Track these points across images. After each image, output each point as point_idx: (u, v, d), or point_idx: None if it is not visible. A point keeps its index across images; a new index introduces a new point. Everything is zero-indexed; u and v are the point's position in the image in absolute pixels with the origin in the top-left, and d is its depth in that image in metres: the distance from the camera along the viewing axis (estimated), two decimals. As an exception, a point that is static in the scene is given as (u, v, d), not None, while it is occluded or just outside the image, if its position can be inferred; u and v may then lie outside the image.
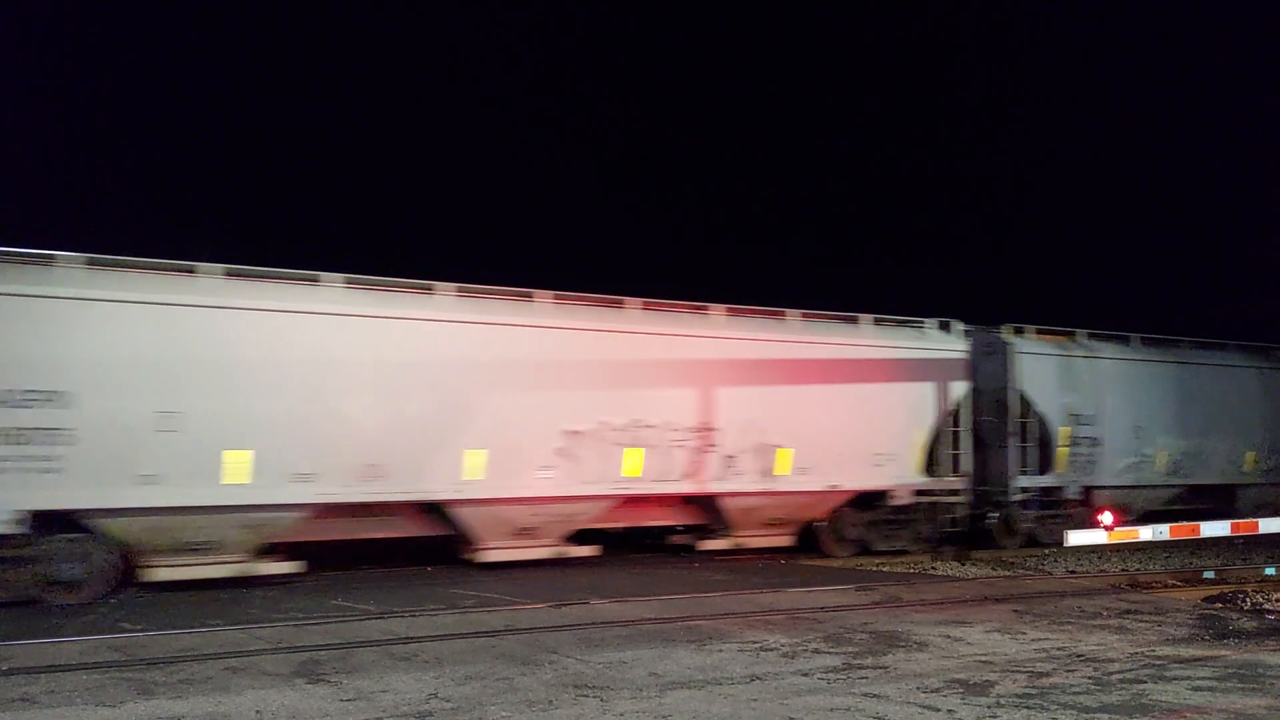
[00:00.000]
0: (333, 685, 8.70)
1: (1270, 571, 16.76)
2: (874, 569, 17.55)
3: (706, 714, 7.97)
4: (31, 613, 12.44)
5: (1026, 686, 8.85)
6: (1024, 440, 20.58)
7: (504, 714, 7.92)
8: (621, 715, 7.91)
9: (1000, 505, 20.66)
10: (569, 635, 10.84)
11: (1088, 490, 21.42)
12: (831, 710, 8.06)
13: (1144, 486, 22.44)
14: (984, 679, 9.10)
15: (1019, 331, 21.36)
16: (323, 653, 9.87)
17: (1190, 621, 12.22)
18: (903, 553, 19.26)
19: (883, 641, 10.69)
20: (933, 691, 8.63)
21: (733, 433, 17.49)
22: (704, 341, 17.55)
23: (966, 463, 20.02)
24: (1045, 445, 20.84)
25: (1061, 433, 21.01)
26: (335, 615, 12.15)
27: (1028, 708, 8.15)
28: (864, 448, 18.75)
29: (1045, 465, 20.88)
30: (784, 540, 18.70)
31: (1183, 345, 23.93)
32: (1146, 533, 16.89)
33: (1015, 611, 12.70)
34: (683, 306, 17.90)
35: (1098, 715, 7.99)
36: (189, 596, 13.48)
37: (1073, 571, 17.72)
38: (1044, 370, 21.00)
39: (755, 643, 10.54)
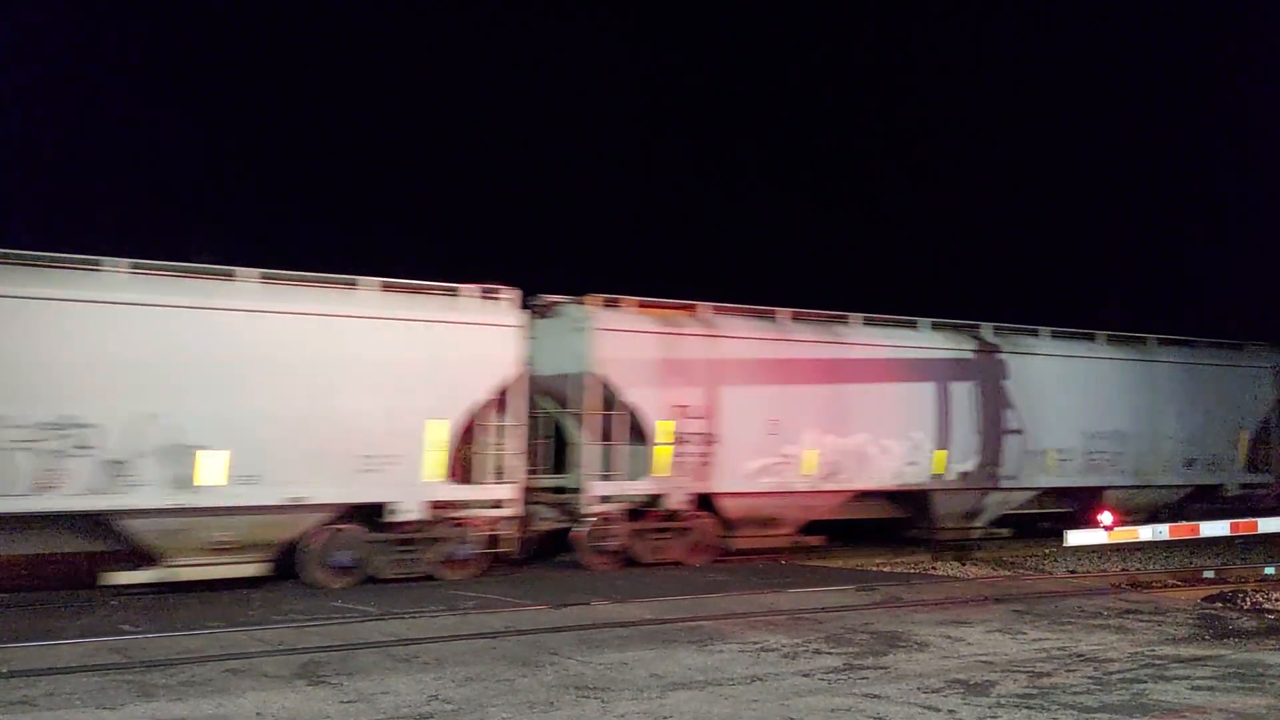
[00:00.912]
0: (333, 687, 8.70)
1: (1270, 571, 16.77)
2: (874, 569, 17.55)
3: (707, 715, 7.97)
4: (32, 614, 12.43)
5: (1027, 686, 8.85)
6: (608, 439, 17.05)
7: (505, 715, 7.92)
8: (622, 716, 7.91)
9: (578, 517, 16.96)
10: (570, 636, 10.84)
11: (702, 497, 17.77)
12: (833, 711, 8.06)
13: (790, 493, 18.45)
14: (985, 679, 9.10)
15: (612, 304, 17.63)
16: (323, 654, 9.86)
17: (1190, 621, 12.23)
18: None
19: (883, 642, 10.69)
20: (933, 692, 8.63)
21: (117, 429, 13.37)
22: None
23: (517, 467, 16.15)
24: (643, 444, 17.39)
25: (660, 429, 17.42)
26: (336, 617, 12.15)
27: (1028, 708, 8.15)
28: (345, 448, 14.65)
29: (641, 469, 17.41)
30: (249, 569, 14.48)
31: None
32: (1146, 532, 16.91)
33: (1015, 611, 12.70)
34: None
35: (1098, 715, 7.99)
36: (190, 598, 13.48)
37: (1073, 571, 17.74)
38: (641, 352, 17.32)
39: (756, 643, 10.53)
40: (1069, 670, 9.51)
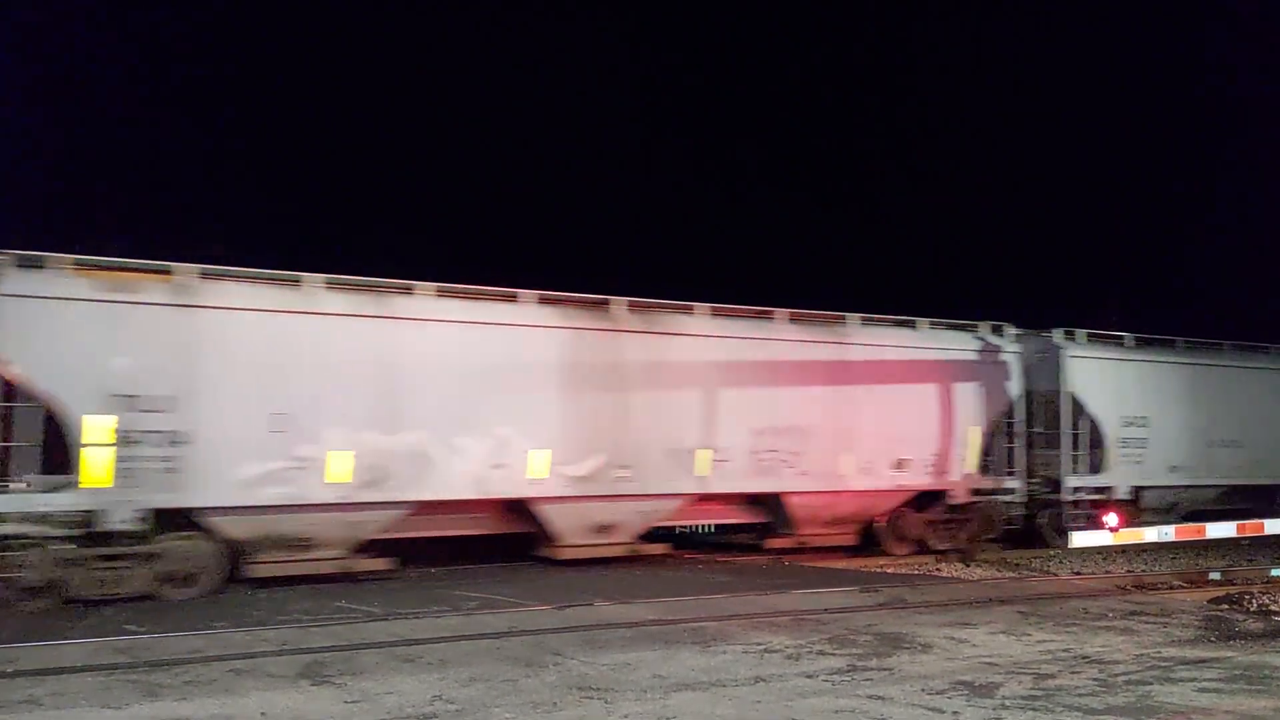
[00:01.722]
0: (337, 687, 8.70)
1: (1276, 572, 16.71)
2: (878, 570, 17.54)
3: (711, 716, 7.96)
4: (35, 615, 12.46)
5: (1032, 688, 8.83)
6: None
7: (508, 716, 7.91)
8: (626, 717, 7.90)
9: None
10: (573, 637, 10.83)
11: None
12: (836, 712, 8.05)
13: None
14: (989, 680, 9.08)
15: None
16: (327, 655, 9.87)
17: (1196, 623, 12.20)
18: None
19: (887, 643, 10.68)
20: (938, 693, 8.62)
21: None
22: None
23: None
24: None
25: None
26: (339, 617, 12.16)
27: (1033, 709, 8.13)
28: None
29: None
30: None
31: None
32: (1151, 534, 16.90)
33: (1020, 613, 12.68)
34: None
35: (1103, 717, 7.97)
36: (192, 599, 13.49)
37: (1078, 573, 17.70)
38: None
39: (760, 644, 10.52)
40: (1074, 672, 9.49)
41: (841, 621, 11.88)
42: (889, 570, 17.61)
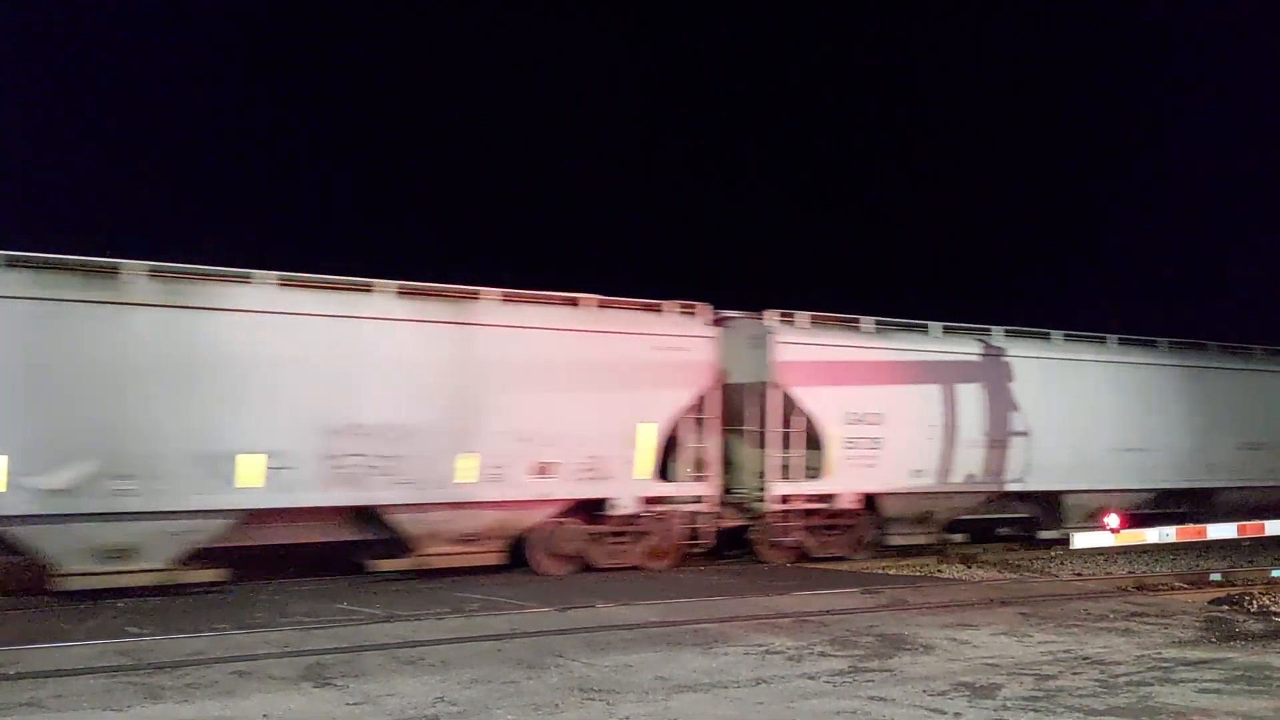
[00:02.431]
0: (339, 689, 8.71)
1: (1277, 573, 16.71)
2: (880, 571, 17.54)
3: (712, 717, 7.97)
4: (38, 616, 12.46)
5: (1033, 689, 8.84)
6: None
7: (510, 717, 7.92)
8: (627, 718, 7.91)
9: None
10: (575, 638, 10.84)
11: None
12: (838, 714, 8.06)
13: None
14: (990, 682, 9.09)
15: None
16: (329, 656, 9.88)
17: (1197, 624, 12.20)
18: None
19: (889, 644, 10.68)
20: (939, 694, 8.63)
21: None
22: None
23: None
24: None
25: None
26: (341, 619, 12.17)
27: (1035, 710, 8.14)
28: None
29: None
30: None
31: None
32: (1153, 535, 16.86)
33: (1021, 614, 12.69)
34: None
35: (1105, 718, 7.98)
36: (195, 600, 13.50)
37: (1079, 574, 17.70)
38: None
39: (761, 646, 10.53)
40: (1075, 673, 9.50)
41: (843, 623, 11.89)
42: (891, 572, 17.62)
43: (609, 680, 9.06)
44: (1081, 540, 16.66)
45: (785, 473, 18.19)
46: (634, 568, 16.92)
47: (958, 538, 20.47)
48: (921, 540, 19.76)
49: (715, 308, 18.37)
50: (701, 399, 17.69)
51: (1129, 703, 8.41)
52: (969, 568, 18.37)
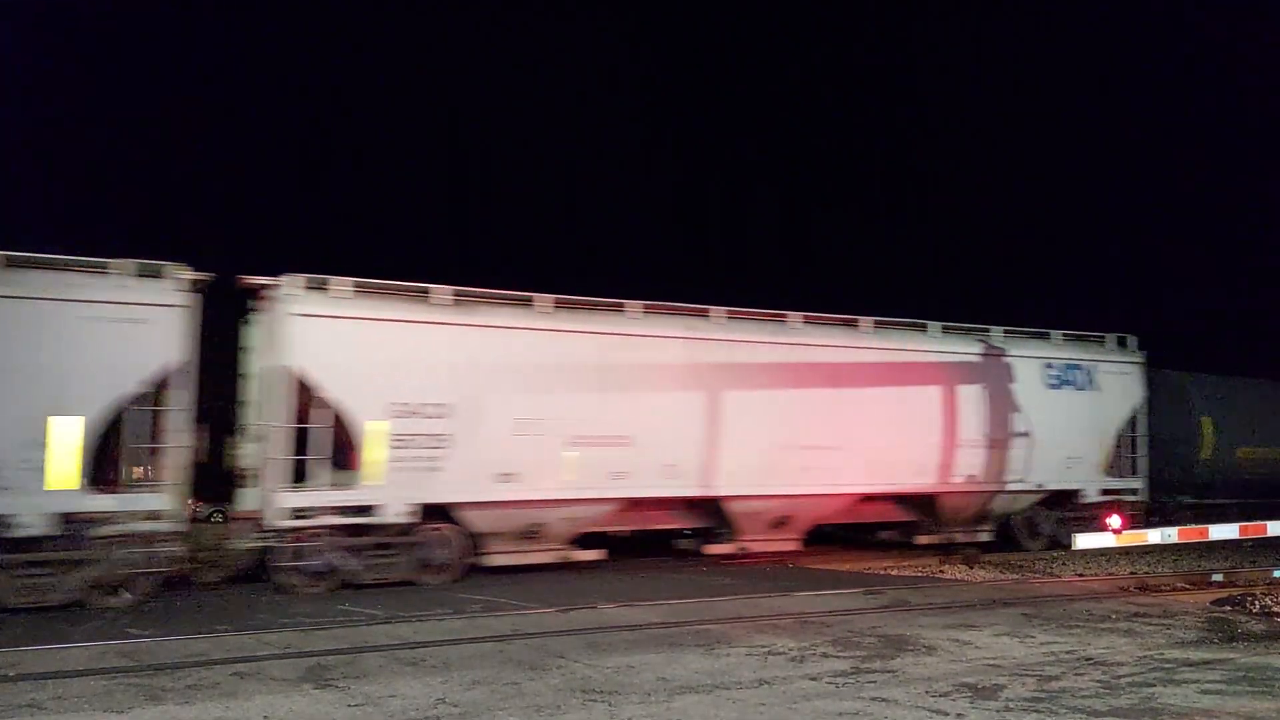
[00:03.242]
0: (340, 690, 8.70)
1: (1279, 574, 16.70)
2: (882, 572, 17.53)
3: (714, 718, 7.95)
4: (39, 618, 12.45)
5: (1035, 690, 8.82)
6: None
7: (512, 719, 7.91)
8: (629, 720, 7.90)
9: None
10: (576, 640, 10.83)
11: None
12: (840, 715, 8.04)
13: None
14: (993, 682, 9.08)
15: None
16: (330, 658, 9.87)
17: (1199, 624, 12.19)
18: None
19: (891, 645, 10.67)
20: (941, 695, 8.61)
21: None
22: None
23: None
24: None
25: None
26: (342, 620, 12.16)
27: (1037, 711, 8.13)
28: None
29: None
30: None
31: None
32: (1155, 536, 16.83)
33: (1024, 615, 12.67)
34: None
35: (1107, 719, 7.96)
36: (195, 602, 13.49)
37: (1081, 575, 17.68)
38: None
39: (763, 647, 10.52)
40: (1077, 674, 9.48)
41: (845, 624, 11.88)
42: (893, 573, 17.61)
43: (611, 681, 9.04)
44: (1084, 541, 16.63)
45: (299, 480, 14.91)
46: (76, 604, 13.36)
47: (591, 554, 17.10)
48: (540, 559, 16.63)
49: (204, 269, 14.64)
50: (163, 385, 14.05)
51: (1131, 703, 8.40)
52: (971, 568, 18.35)
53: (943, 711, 8.12)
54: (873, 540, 21.28)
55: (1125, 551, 19.64)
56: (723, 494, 18.04)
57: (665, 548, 19.50)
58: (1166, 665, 9.86)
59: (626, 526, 18.15)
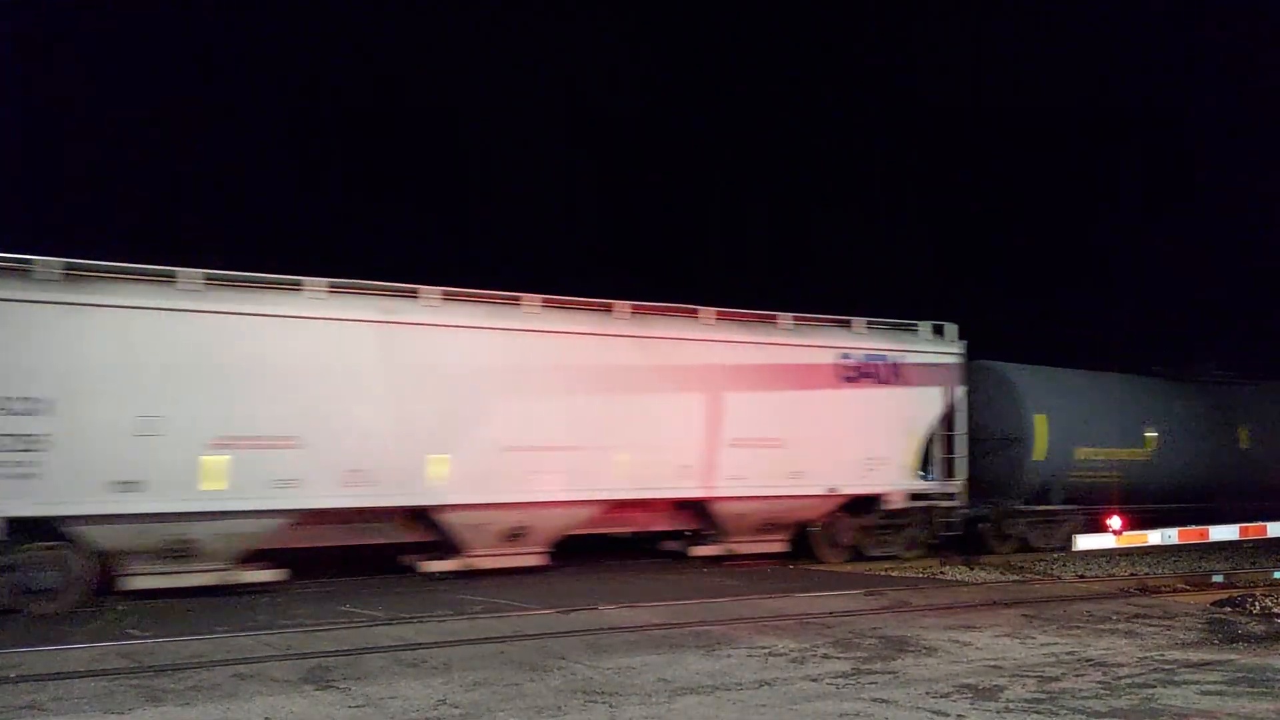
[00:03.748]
0: (341, 691, 8.71)
1: (1279, 575, 16.71)
2: (882, 574, 17.54)
3: (715, 719, 7.96)
4: (39, 619, 12.46)
5: (1036, 691, 8.83)
6: None
7: (512, 720, 7.92)
8: (630, 721, 7.90)
9: None
10: (577, 641, 10.83)
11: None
12: (841, 715, 8.05)
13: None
14: (993, 684, 9.08)
15: None
16: (331, 659, 9.87)
17: (1199, 625, 12.19)
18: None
19: (892, 646, 10.67)
20: (942, 696, 8.62)
21: None
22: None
23: None
24: None
25: None
26: (343, 621, 12.16)
27: (1037, 712, 8.13)
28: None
29: None
30: None
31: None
32: (1155, 537, 16.85)
33: (1024, 616, 12.68)
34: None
35: (1108, 720, 7.98)
36: (196, 603, 13.50)
37: (1081, 576, 17.69)
38: None
39: (764, 648, 10.52)
40: (1078, 675, 9.48)
41: (846, 625, 11.89)
42: (894, 574, 17.62)
43: (612, 683, 9.05)
44: (1084, 542, 16.64)
45: None
46: None
47: (266, 574, 14.33)
48: (198, 580, 13.95)
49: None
50: None
51: (1132, 704, 8.40)
52: (971, 569, 18.36)
53: (943, 713, 8.13)
54: (657, 551, 18.67)
55: (1126, 553, 19.65)
56: (434, 503, 15.37)
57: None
58: (1167, 666, 9.86)
59: (318, 542, 15.08)
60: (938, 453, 19.94)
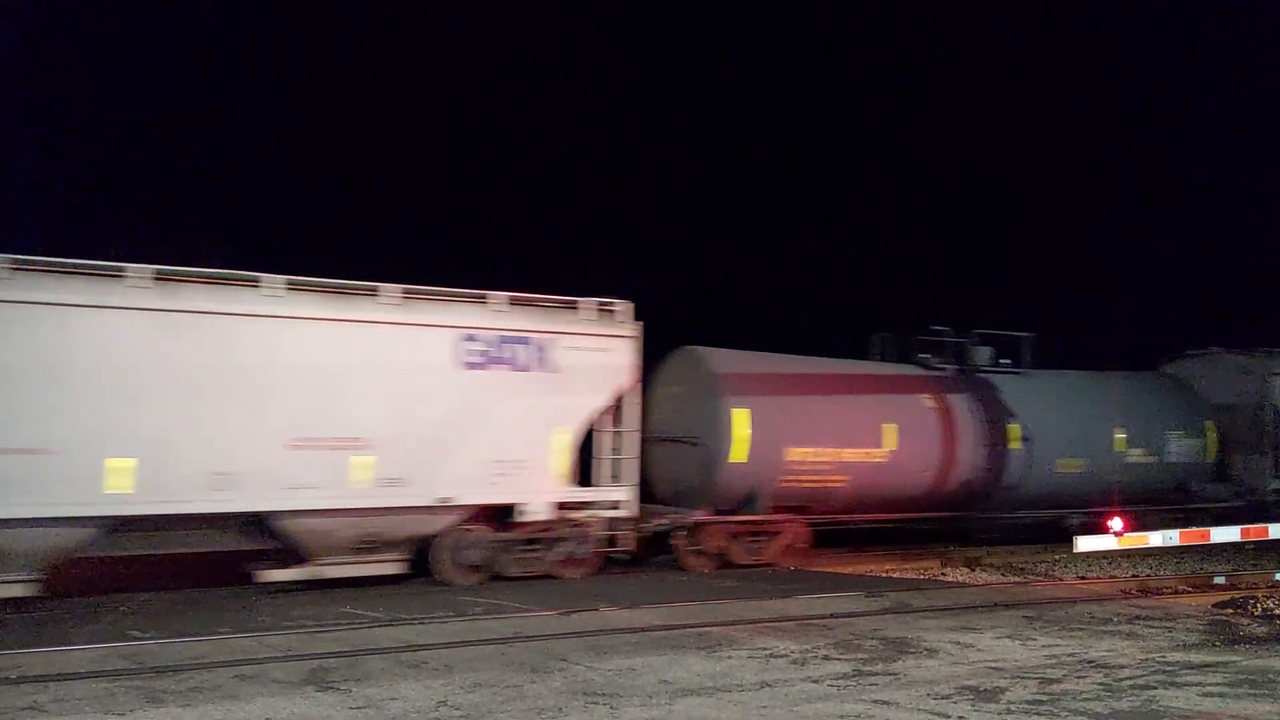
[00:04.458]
0: (342, 693, 8.71)
1: (1281, 576, 16.70)
2: (884, 575, 17.53)
3: (716, 721, 7.96)
4: (40, 620, 12.45)
5: (1037, 693, 8.82)
6: None
7: (513, 721, 7.91)
8: (631, 723, 7.90)
9: None
10: (578, 642, 10.83)
11: None
12: (842, 717, 8.05)
13: None
14: (994, 685, 9.08)
15: None
16: (332, 660, 9.87)
17: (1201, 627, 12.19)
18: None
19: (893, 648, 10.67)
20: (943, 698, 8.61)
21: None
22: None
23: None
24: None
25: None
26: (344, 623, 12.15)
27: (1038, 714, 8.13)
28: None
29: None
30: None
31: None
32: (1156, 538, 16.83)
33: (1025, 617, 12.67)
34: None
35: (1109, 722, 7.97)
36: (197, 604, 13.50)
37: (1083, 577, 17.68)
38: None
39: (765, 649, 10.52)
40: (1079, 676, 9.48)
41: (847, 626, 11.88)
42: (895, 575, 17.61)
43: (612, 684, 9.04)
44: (1085, 543, 16.63)
45: None
46: None
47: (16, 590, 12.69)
48: None
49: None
50: None
51: (1133, 706, 8.40)
52: (973, 570, 18.35)
53: (944, 714, 8.13)
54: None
55: (1127, 554, 19.64)
56: None
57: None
58: (1168, 668, 9.86)
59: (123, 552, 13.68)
60: (603, 454, 16.64)
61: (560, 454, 15.95)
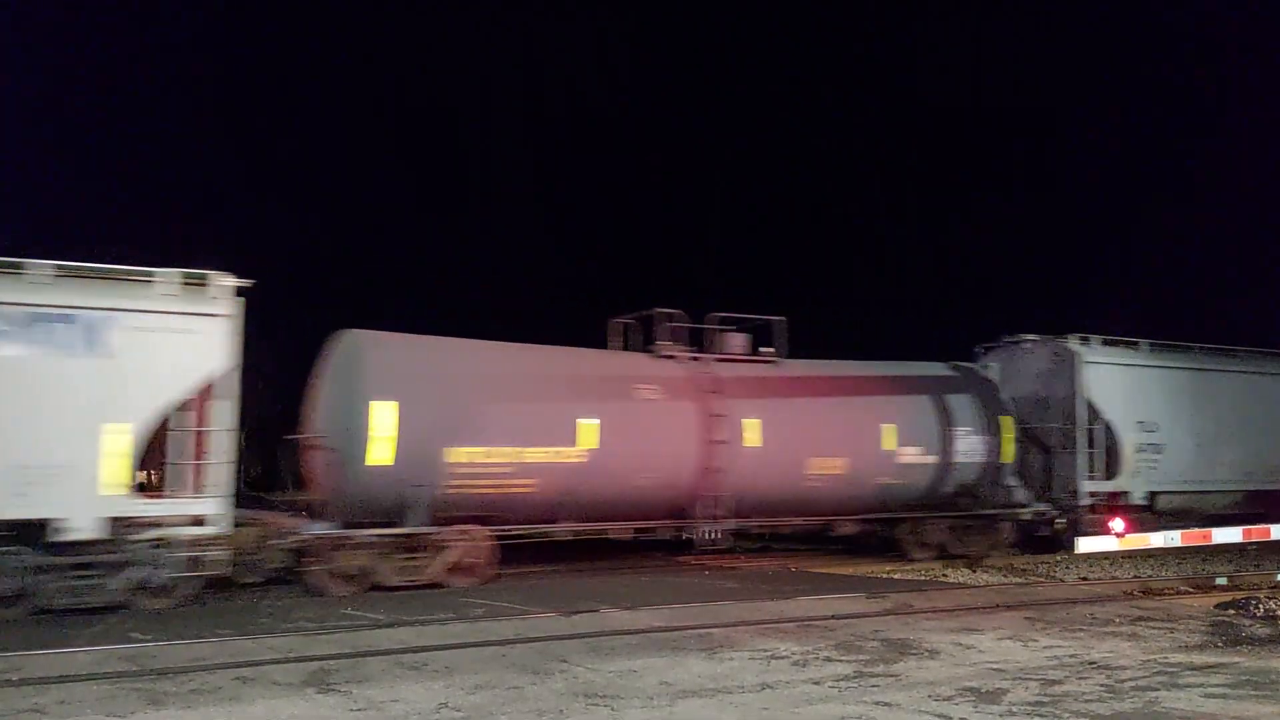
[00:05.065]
0: (343, 695, 8.70)
1: (1282, 577, 16.70)
2: (885, 576, 17.52)
3: (717, 723, 7.95)
4: (42, 622, 12.45)
5: (1039, 694, 8.81)
6: None
7: (514, 723, 7.90)
8: (632, 724, 7.89)
9: None
10: (579, 644, 10.82)
11: None
12: (843, 719, 8.03)
13: None
14: (996, 686, 9.06)
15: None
16: (333, 662, 9.86)
17: (1203, 628, 12.17)
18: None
19: (894, 649, 10.66)
20: (945, 699, 8.60)
21: None
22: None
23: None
24: None
25: None
26: (345, 624, 12.15)
27: (1040, 715, 8.12)
28: None
29: None
30: None
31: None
32: (1158, 539, 16.83)
33: (1027, 619, 12.65)
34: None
35: (1111, 723, 7.96)
36: (198, 606, 13.49)
37: (1085, 578, 17.68)
38: None
39: (766, 651, 10.51)
40: (1081, 678, 9.47)
41: (848, 628, 11.87)
42: (896, 576, 17.60)
43: (613, 685, 9.04)
44: (1086, 544, 16.62)
45: None
46: None
47: None
48: None
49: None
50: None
51: (1135, 707, 8.38)
52: (974, 572, 18.35)
53: (946, 716, 8.11)
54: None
55: (1128, 555, 19.63)
56: None
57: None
58: (1170, 669, 9.84)
59: None
60: (183, 458, 13.74)
61: (115, 458, 13.16)
